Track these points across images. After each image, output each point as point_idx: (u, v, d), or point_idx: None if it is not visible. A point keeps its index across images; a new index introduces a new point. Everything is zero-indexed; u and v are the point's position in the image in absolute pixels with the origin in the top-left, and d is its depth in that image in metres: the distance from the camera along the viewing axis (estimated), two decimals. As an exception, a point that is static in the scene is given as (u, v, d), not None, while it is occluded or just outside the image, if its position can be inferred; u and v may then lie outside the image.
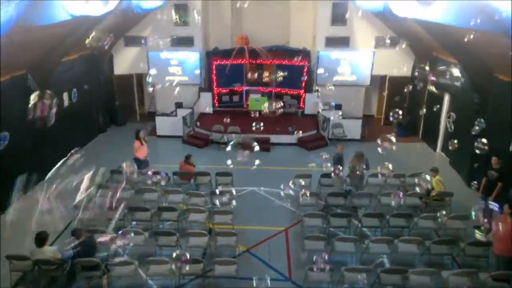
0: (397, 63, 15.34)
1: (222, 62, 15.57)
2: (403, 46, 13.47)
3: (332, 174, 9.69)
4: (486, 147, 6.59)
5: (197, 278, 7.14)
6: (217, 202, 7.81)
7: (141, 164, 10.08)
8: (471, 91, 10.73)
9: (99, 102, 14.89)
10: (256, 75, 11.11)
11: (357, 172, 9.29)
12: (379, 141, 6.00)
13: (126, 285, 7.06)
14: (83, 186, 7.35)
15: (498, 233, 6.81)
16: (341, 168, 9.50)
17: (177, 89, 13.50)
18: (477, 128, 7.64)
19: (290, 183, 7.90)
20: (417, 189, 8.45)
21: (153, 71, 15.46)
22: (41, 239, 6.78)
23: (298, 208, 9.44)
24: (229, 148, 7.43)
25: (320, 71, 15.43)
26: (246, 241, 8.23)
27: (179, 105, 15.19)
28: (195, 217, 8.58)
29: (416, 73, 6.84)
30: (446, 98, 12.89)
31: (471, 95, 10.72)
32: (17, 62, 9.37)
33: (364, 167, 9.36)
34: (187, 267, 5.90)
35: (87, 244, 6.88)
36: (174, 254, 5.65)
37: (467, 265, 7.45)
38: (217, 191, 8.08)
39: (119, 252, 7.90)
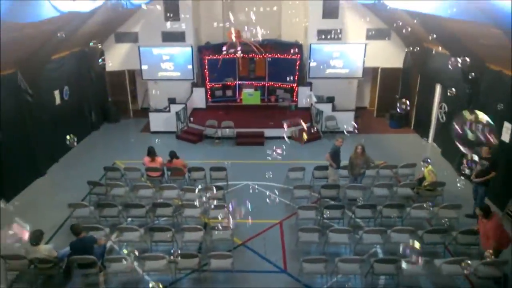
0: (389, 55, 15.42)
1: (214, 57, 15.51)
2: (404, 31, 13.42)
3: (329, 167, 9.81)
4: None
5: (193, 272, 7.19)
6: None
7: None
8: (462, 81, 10.81)
9: (91, 99, 14.81)
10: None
11: (361, 170, 9.37)
12: None
13: (123, 281, 7.10)
14: None
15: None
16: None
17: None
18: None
19: None
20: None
21: (145, 67, 15.51)
22: (36, 237, 6.77)
23: (292, 201, 9.51)
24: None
25: (313, 64, 15.46)
26: (241, 234, 8.29)
27: (172, 101, 15.19)
28: (190, 212, 8.62)
29: None
30: (438, 89, 12.98)
31: (463, 85, 10.80)
32: (6, 60, 9.28)
33: (365, 166, 9.41)
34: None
35: (85, 241, 6.87)
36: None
37: (459, 253, 7.58)
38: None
39: (115, 249, 7.94)
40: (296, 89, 15.77)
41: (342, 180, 10.01)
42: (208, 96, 15.98)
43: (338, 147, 9.52)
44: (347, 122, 14.29)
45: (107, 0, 10.34)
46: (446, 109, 12.25)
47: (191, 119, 14.71)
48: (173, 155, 10.18)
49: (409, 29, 9.97)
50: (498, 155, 8.63)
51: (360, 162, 9.33)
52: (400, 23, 11.32)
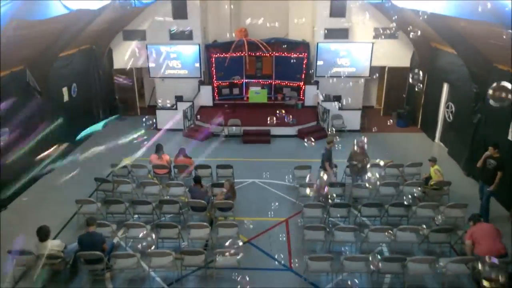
0: (396, 54, 15.35)
1: (221, 55, 15.55)
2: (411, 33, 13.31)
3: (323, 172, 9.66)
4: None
5: (199, 269, 7.23)
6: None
7: None
8: (470, 81, 10.74)
9: (99, 96, 14.92)
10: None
11: (359, 165, 9.28)
12: None
13: (129, 277, 7.16)
14: None
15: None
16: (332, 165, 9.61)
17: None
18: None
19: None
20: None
21: (152, 65, 15.59)
22: (43, 233, 6.83)
23: (298, 199, 9.52)
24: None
25: (320, 63, 15.45)
26: (247, 232, 8.31)
27: (179, 99, 15.25)
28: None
29: None
30: (445, 88, 12.90)
31: (470, 85, 10.73)
32: (16, 57, 9.39)
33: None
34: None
35: (95, 237, 6.93)
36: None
37: (465, 253, 7.53)
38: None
39: (122, 245, 8.01)
40: (303, 88, 15.77)
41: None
42: (215, 94, 16.03)
43: (328, 149, 9.46)
44: (353, 120, 14.29)
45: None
46: (453, 109, 12.17)
47: (198, 117, 14.77)
48: (181, 153, 10.29)
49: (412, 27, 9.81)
50: (505, 155, 8.55)
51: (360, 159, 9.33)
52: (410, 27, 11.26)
